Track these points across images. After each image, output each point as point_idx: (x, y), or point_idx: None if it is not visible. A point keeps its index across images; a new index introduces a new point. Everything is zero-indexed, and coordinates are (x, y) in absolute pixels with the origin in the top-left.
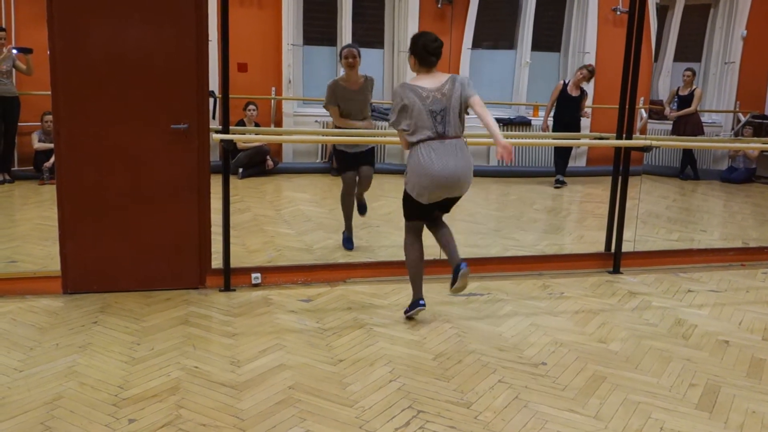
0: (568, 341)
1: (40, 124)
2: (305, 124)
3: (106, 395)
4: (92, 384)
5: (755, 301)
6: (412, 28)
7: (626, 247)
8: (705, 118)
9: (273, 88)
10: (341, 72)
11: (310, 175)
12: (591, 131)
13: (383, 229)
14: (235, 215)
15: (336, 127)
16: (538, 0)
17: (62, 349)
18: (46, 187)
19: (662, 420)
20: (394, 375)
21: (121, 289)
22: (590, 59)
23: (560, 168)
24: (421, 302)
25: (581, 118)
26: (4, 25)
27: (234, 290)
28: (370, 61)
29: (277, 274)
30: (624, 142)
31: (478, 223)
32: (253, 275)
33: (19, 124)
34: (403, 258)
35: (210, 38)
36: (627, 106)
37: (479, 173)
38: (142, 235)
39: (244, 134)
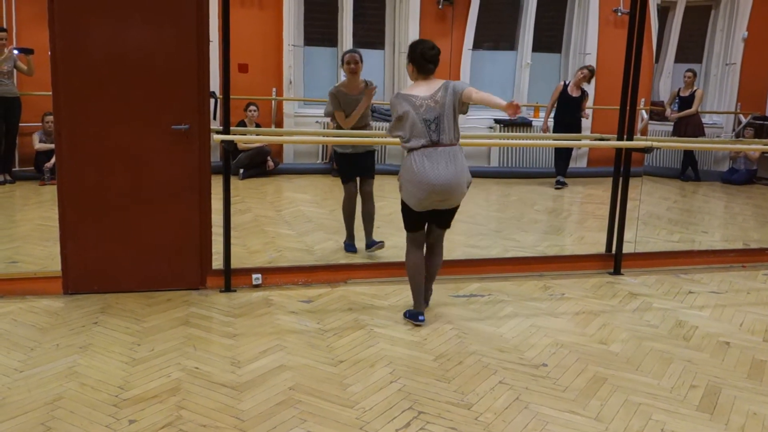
0: (568, 342)
1: (41, 124)
2: (306, 124)
3: (107, 396)
4: (93, 384)
5: (756, 303)
6: (413, 28)
7: (627, 249)
8: (706, 119)
9: (274, 89)
10: (342, 73)
11: (310, 176)
12: (592, 132)
13: (384, 230)
14: (235, 216)
15: (336, 129)
16: (539, 1)
17: (63, 350)
18: (47, 187)
19: (663, 421)
20: (394, 376)
21: (121, 289)
22: (591, 60)
23: (561, 169)
24: (420, 318)
25: (582, 119)
26: (5, 26)
27: (235, 291)
28: (371, 62)
29: (278, 275)
30: (625, 143)
31: (478, 224)
32: (254, 276)
33: (20, 124)
34: (403, 259)
35: (211, 39)
36: (628, 107)
37: (480, 174)
38: (142, 236)
39: (244, 135)
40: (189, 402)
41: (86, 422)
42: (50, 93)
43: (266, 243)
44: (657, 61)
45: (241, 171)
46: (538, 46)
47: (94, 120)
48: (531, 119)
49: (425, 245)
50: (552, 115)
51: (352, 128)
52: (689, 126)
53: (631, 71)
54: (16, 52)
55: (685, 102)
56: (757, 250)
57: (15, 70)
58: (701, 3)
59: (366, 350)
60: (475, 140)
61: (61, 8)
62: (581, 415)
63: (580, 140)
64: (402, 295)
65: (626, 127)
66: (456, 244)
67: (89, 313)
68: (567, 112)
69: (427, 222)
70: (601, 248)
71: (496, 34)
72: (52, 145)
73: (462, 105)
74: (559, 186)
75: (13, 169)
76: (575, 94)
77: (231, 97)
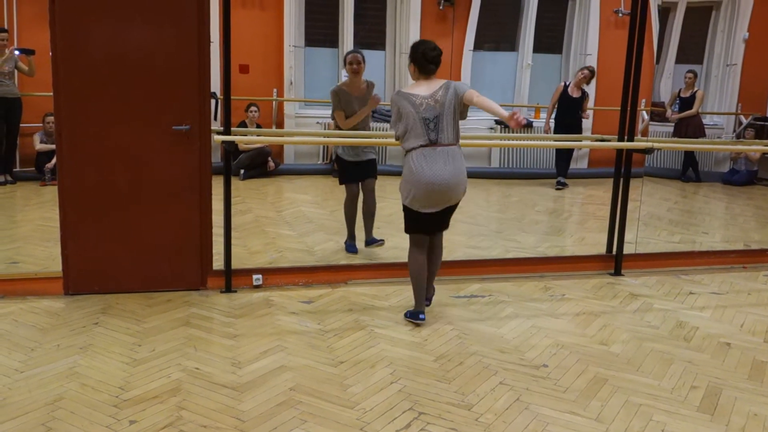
0: (569, 343)
1: (41, 125)
2: (307, 125)
3: (107, 396)
4: (93, 385)
5: (757, 304)
6: (414, 29)
7: (628, 249)
8: (707, 120)
9: (275, 90)
10: (343, 74)
11: (311, 177)
12: (592, 133)
13: (385, 231)
14: (236, 216)
15: (336, 129)
16: (539, 2)
17: (63, 350)
18: (48, 188)
19: (663, 422)
20: (395, 377)
21: (122, 290)
22: (592, 61)
23: (561, 170)
24: (421, 316)
25: (582, 120)
26: (6, 27)
27: (235, 291)
28: (371, 63)
29: (279, 276)
30: (626, 144)
31: (479, 224)
32: (255, 276)
33: (21, 125)
34: (404, 260)
35: (212, 39)
36: (629, 108)
37: (481, 175)
38: (143, 237)
39: (245, 135)
40: (189, 402)
41: (87, 423)
42: (51, 94)
43: (267, 244)
44: (658, 62)
45: (242, 171)
46: (538, 47)
47: (95, 120)
48: (532, 120)
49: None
50: (553, 116)
51: (352, 129)
52: (690, 127)
53: (631, 72)
54: (17, 52)
55: (686, 103)
56: (758, 251)
57: (16, 71)
58: (702, 4)
59: (366, 351)
60: (476, 141)
61: (62, 9)
62: (582, 416)
63: (580, 141)
64: (403, 295)
65: (627, 127)
66: (457, 244)
67: (90, 314)
68: (567, 113)
69: (431, 226)
70: (602, 249)
71: (497, 35)
72: (53, 146)
73: (462, 107)
74: (560, 187)
75: (14, 170)
76: (576, 94)
77: (232, 97)
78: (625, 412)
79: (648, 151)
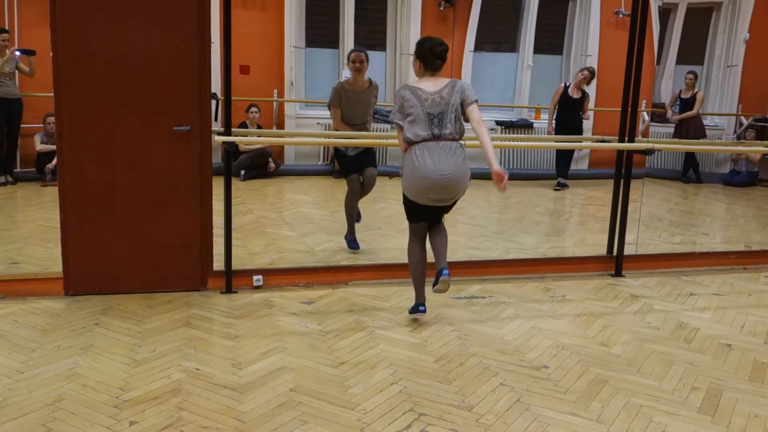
0: (569, 344)
1: (42, 125)
2: (307, 126)
3: (108, 397)
4: (93, 386)
5: (758, 305)
6: (415, 30)
7: (628, 250)
8: (707, 121)
9: (275, 91)
10: (344, 75)
11: (311, 178)
12: (593, 134)
13: (385, 232)
14: (236, 217)
15: (334, 130)
16: (540, 3)
17: (64, 351)
18: (49, 188)
19: (664, 424)
20: (395, 378)
21: (122, 290)
22: (592, 62)
23: (561, 171)
24: (421, 308)
25: (583, 121)
26: (7, 27)
27: (235, 292)
28: (372, 64)
29: (279, 277)
30: (626, 145)
31: (479, 225)
32: (255, 277)
33: (21, 125)
34: (405, 261)
35: (212, 40)
36: (629, 109)
37: (481, 176)
38: (143, 237)
39: (246, 136)
40: (190, 403)
41: (87, 423)
42: (52, 94)
43: (267, 244)
44: (658, 62)
45: (243, 172)
46: (539, 48)
47: (96, 121)
48: (532, 121)
49: (430, 234)
50: (553, 116)
51: (352, 127)
52: (690, 128)
53: (632, 73)
54: (17, 53)
55: (687, 104)
56: (759, 252)
57: (17, 72)
58: (703, 5)
59: (367, 352)
60: (477, 141)
61: (63, 10)
62: (582, 417)
63: (581, 142)
64: (403, 296)
65: (627, 128)
66: (457, 245)
67: (90, 315)
68: (568, 114)
69: (431, 217)
70: (603, 250)
71: (498, 35)
72: (54, 147)
73: (463, 114)
74: (559, 188)
75: (15, 170)
76: (576, 95)
77: (232, 98)
78: (625, 413)
79: (648, 152)
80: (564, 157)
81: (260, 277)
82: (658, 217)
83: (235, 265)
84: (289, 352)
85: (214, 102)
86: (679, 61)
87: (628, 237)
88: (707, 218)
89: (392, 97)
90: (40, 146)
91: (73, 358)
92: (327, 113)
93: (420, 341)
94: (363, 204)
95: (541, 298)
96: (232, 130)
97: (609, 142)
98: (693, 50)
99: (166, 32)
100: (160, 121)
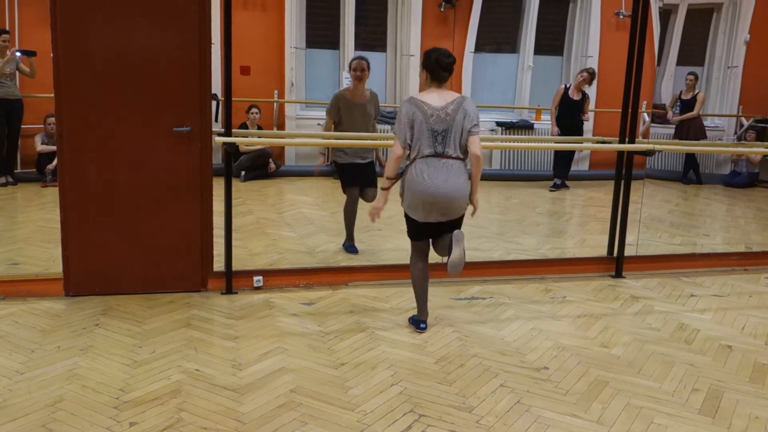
0: (570, 345)
1: (43, 126)
2: (307, 127)
3: (108, 398)
4: (94, 387)
5: (758, 306)
6: (415, 31)
7: (629, 251)
8: (708, 122)
9: (275, 91)
10: (344, 76)
11: (312, 179)
12: (593, 135)
13: (385, 233)
14: (237, 218)
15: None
16: (540, 3)
17: (64, 352)
18: (49, 189)
19: (665, 425)
20: (395, 379)
21: (123, 291)
22: (593, 63)
23: (558, 172)
24: (422, 326)
25: (583, 122)
26: (7, 28)
27: (236, 293)
28: (372, 65)
29: (279, 277)
30: (627, 146)
31: (480, 226)
32: (255, 278)
33: (22, 126)
34: (405, 262)
35: (213, 41)
36: (630, 110)
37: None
38: (144, 238)
39: (246, 137)
40: (190, 404)
41: (87, 424)
42: (52, 95)
43: (267, 245)
44: (659, 64)
45: (243, 173)
46: (539, 49)
47: (96, 122)
48: (533, 122)
49: (440, 245)
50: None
51: (355, 132)
52: (691, 129)
53: (632, 74)
54: (18, 54)
55: (687, 105)
56: (759, 254)
57: (17, 72)
58: (703, 6)
59: (367, 353)
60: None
61: (64, 10)
62: (582, 418)
63: (581, 143)
64: (403, 297)
65: (628, 130)
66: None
67: (90, 315)
68: (568, 115)
69: (433, 235)
70: (603, 251)
71: (498, 36)
72: (54, 147)
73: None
74: (555, 189)
75: (15, 171)
76: (576, 97)
77: (233, 99)
78: (626, 414)
79: (649, 153)
80: (564, 158)
81: (260, 277)
82: (658, 218)
83: (236, 265)
84: (290, 353)
85: (214, 103)
86: (680, 62)
87: (629, 238)
88: (708, 219)
89: (392, 98)
90: (40, 147)
91: (73, 358)
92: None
93: (420, 342)
94: (363, 205)
95: (541, 299)
96: (233, 130)
97: (609, 143)
98: (693, 51)
99: (167, 33)
100: (160, 122)
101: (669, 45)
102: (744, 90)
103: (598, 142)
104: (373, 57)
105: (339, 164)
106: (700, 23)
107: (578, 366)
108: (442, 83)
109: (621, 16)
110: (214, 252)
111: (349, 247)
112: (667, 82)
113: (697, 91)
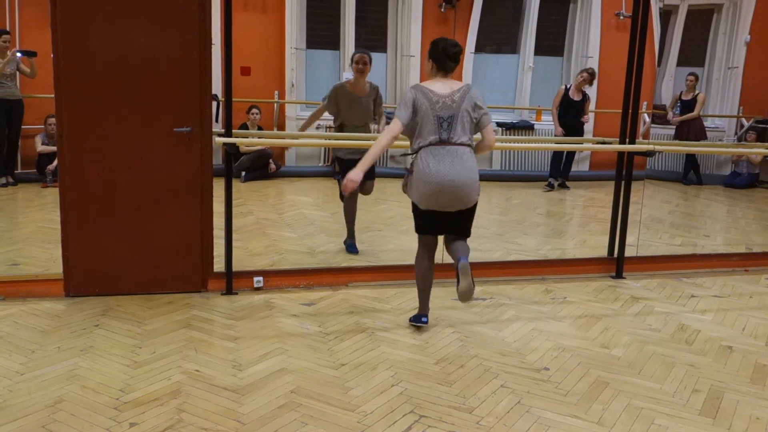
0: (570, 346)
1: (43, 126)
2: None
3: (108, 398)
4: (94, 387)
5: (759, 307)
6: (415, 32)
7: (629, 252)
8: (708, 122)
9: (276, 92)
10: (345, 76)
11: (312, 179)
12: (594, 135)
13: (386, 233)
14: (237, 219)
15: (336, 130)
16: (541, 4)
17: (64, 352)
18: (49, 189)
19: (665, 426)
20: (396, 379)
21: (123, 292)
22: (593, 64)
23: (554, 172)
24: (423, 319)
25: (584, 122)
26: (8, 28)
27: (236, 294)
28: (373, 65)
29: (279, 278)
30: (627, 147)
31: (480, 227)
32: (255, 279)
33: (22, 126)
34: (406, 262)
35: (213, 42)
36: (630, 111)
37: (482, 177)
38: (144, 238)
39: (246, 138)
40: (190, 405)
41: (87, 425)
42: (53, 95)
43: (268, 246)
44: (659, 64)
45: (243, 174)
46: (540, 50)
47: (96, 122)
48: (533, 122)
49: (448, 246)
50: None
51: (353, 128)
52: (691, 130)
53: (633, 75)
54: (19, 54)
55: (687, 106)
56: (760, 254)
57: (18, 73)
58: (704, 6)
59: (367, 353)
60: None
61: (64, 11)
62: (583, 419)
63: (582, 144)
64: (404, 298)
65: (628, 130)
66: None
67: (90, 316)
68: (569, 116)
69: (442, 230)
70: (603, 252)
71: (499, 37)
72: (55, 148)
73: (474, 126)
74: (549, 188)
75: (16, 172)
76: (576, 97)
77: (233, 99)
78: (626, 415)
79: (649, 153)
80: (562, 159)
81: (261, 278)
82: (658, 219)
83: (236, 266)
84: (290, 354)
85: (214, 103)
86: (680, 62)
87: (629, 239)
88: (708, 220)
89: (392, 98)
90: (40, 147)
91: (73, 359)
92: (327, 115)
93: (421, 343)
94: (363, 205)
95: (541, 300)
96: (233, 131)
97: (610, 143)
98: (694, 52)
99: (167, 33)
100: (160, 122)
101: (669, 46)
102: (744, 91)
103: (598, 143)
104: (374, 57)
105: (341, 159)
106: (700, 24)
107: (579, 367)
108: (447, 73)
109: (621, 17)
110: (215, 252)
111: (350, 246)
112: (668, 83)
113: (697, 92)
